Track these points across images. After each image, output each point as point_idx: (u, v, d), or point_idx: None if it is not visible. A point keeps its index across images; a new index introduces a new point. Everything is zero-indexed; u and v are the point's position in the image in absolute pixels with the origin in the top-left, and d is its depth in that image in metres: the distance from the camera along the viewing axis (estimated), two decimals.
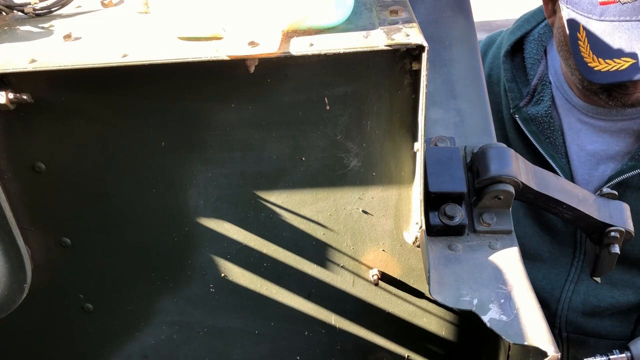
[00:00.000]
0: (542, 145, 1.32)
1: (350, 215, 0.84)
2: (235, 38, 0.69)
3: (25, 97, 0.73)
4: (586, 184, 1.33)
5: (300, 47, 0.68)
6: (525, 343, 0.72)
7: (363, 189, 0.82)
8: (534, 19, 1.40)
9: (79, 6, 0.86)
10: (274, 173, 0.81)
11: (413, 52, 0.71)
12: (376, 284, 0.90)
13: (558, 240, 1.37)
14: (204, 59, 0.67)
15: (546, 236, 1.38)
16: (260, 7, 0.69)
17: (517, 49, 1.40)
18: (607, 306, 1.35)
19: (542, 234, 1.38)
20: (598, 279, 1.09)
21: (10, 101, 0.72)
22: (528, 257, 1.39)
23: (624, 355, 1.08)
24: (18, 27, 0.79)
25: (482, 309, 0.76)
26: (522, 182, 0.85)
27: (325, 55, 0.68)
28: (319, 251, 0.87)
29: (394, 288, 0.90)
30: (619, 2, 1.09)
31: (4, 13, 0.83)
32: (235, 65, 0.71)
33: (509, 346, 0.83)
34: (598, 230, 0.95)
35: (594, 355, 1.07)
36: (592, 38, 1.13)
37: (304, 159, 0.80)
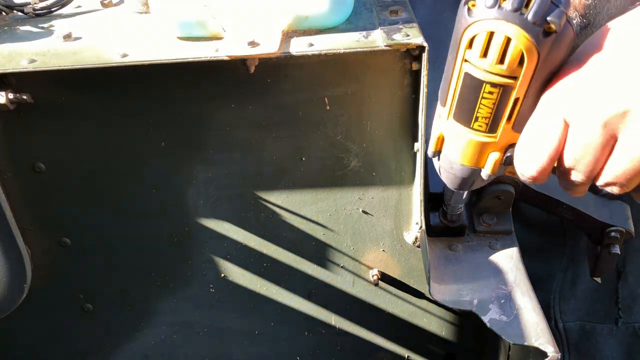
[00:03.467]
0: None
1: (350, 215, 0.84)
2: (235, 38, 0.69)
3: (25, 97, 0.73)
4: None
5: (300, 47, 0.68)
6: (525, 343, 0.72)
7: (363, 189, 0.82)
8: None
9: (79, 6, 0.86)
10: (274, 173, 0.81)
11: (413, 52, 0.71)
12: (376, 284, 0.90)
13: (547, 230, 1.37)
14: (204, 59, 0.67)
15: (533, 228, 1.38)
16: (260, 7, 0.69)
17: None
18: (594, 286, 1.34)
19: (529, 227, 1.38)
20: (598, 279, 1.08)
21: (10, 101, 0.72)
22: (525, 253, 1.39)
23: None
24: (18, 27, 0.79)
25: (482, 309, 0.76)
26: (522, 183, 0.85)
27: (325, 55, 0.68)
28: (319, 251, 0.87)
29: (394, 288, 0.90)
30: None
31: (4, 13, 0.83)
32: (235, 65, 0.71)
33: (509, 346, 0.83)
34: (598, 230, 0.95)
35: (595, 342, 1.05)
36: None
37: (304, 159, 0.80)
